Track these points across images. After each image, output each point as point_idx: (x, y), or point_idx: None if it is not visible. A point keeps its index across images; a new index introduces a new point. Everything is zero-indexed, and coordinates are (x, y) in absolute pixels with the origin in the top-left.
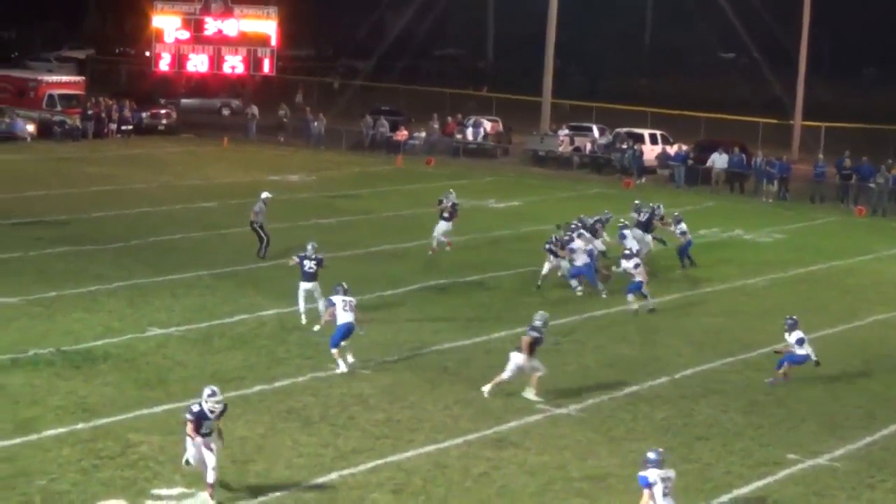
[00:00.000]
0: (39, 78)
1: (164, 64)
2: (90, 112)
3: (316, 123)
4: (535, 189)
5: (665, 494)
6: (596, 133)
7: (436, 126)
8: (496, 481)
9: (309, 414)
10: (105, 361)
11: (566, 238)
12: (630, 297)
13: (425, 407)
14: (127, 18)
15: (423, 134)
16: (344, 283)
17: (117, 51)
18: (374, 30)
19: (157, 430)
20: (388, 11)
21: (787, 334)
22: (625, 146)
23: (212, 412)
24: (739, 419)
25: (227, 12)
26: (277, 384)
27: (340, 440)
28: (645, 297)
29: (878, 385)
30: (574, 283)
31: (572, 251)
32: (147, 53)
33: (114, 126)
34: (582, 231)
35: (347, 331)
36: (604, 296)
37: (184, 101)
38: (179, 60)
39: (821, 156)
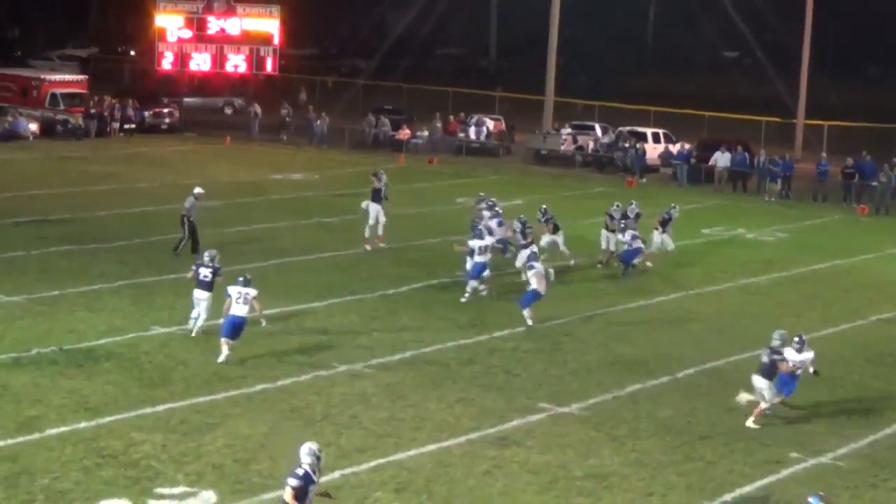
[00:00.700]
0: (42, 77)
1: (167, 63)
2: (93, 111)
3: (319, 122)
4: (538, 188)
5: None
6: (598, 132)
7: (438, 125)
8: (499, 480)
9: (311, 413)
10: (108, 360)
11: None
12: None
13: (428, 406)
14: (130, 17)
15: (426, 133)
16: (247, 274)
17: (120, 49)
18: (377, 28)
19: (159, 429)
20: (391, 10)
21: (796, 353)
22: (627, 145)
23: (316, 472)
24: (742, 418)
25: (229, 11)
26: (280, 383)
27: (343, 439)
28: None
29: (882, 383)
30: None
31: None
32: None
33: (116, 125)
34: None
35: (234, 324)
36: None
37: (186, 99)
38: (182, 59)
39: (823, 154)
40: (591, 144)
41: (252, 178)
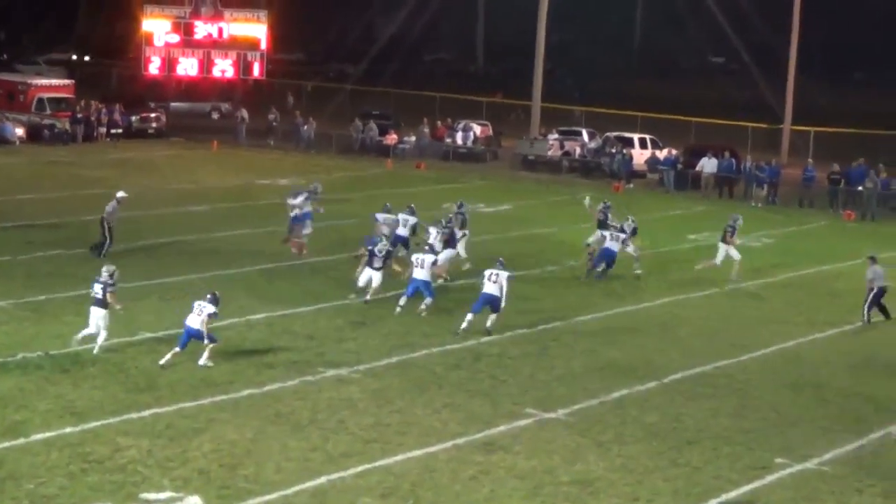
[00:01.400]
0: (29, 81)
1: (154, 67)
2: (80, 115)
3: (306, 127)
4: (525, 193)
5: None
6: (585, 137)
7: (426, 130)
8: (485, 486)
9: (298, 418)
10: (94, 365)
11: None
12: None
13: (414, 411)
14: (117, 22)
15: (414, 138)
16: (216, 292)
17: (107, 54)
18: (365, 33)
19: (145, 434)
20: (379, 15)
21: None
22: (614, 150)
23: None
24: (728, 423)
25: (217, 16)
26: (266, 388)
27: (329, 444)
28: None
29: (867, 389)
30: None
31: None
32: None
33: (103, 129)
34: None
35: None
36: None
37: (173, 104)
38: (169, 64)
39: (810, 160)
40: (578, 150)
41: (239, 183)
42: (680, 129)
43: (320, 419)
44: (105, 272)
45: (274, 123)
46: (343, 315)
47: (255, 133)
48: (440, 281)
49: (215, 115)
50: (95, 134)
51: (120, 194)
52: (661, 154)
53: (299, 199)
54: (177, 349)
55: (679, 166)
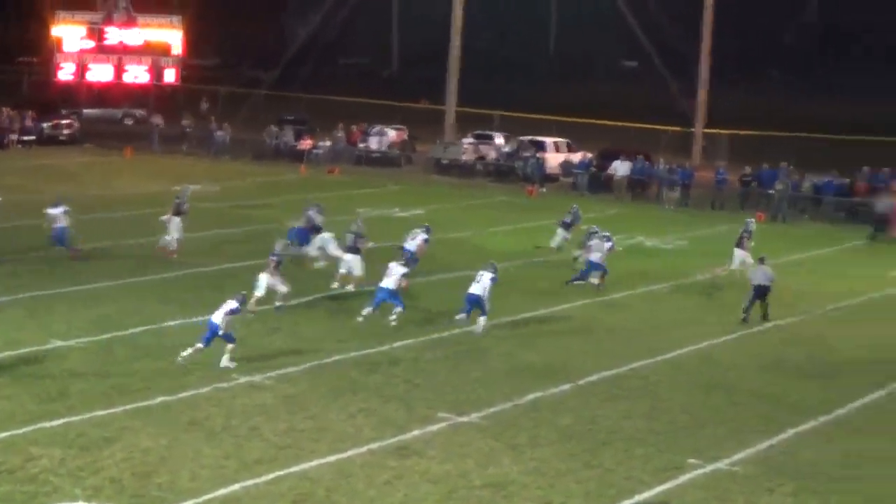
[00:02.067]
0: None
1: (66, 73)
2: None
3: (220, 133)
4: (439, 197)
5: None
6: (499, 141)
7: (341, 135)
8: (399, 490)
9: (212, 425)
10: (4, 374)
11: None
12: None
13: (328, 416)
14: (29, 27)
15: (328, 143)
16: (245, 292)
17: (19, 60)
18: (279, 38)
19: (57, 443)
20: (293, 19)
21: None
22: (528, 154)
23: None
24: (642, 425)
25: (130, 21)
26: (180, 395)
27: (243, 451)
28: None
29: (777, 390)
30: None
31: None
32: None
33: (15, 137)
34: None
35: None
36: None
37: (86, 110)
38: (82, 70)
39: (721, 163)
40: (492, 154)
41: (153, 190)
42: (593, 132)
43: (234, 426)
44: None
45: (188, 129)
46: (258, 321)
47: (169, 139)
48: (349, 287)
49: (128, 122)
50: (6, 141)
51: None
52: (575, 157)
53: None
54: (199, 345)
55: (592, 169)
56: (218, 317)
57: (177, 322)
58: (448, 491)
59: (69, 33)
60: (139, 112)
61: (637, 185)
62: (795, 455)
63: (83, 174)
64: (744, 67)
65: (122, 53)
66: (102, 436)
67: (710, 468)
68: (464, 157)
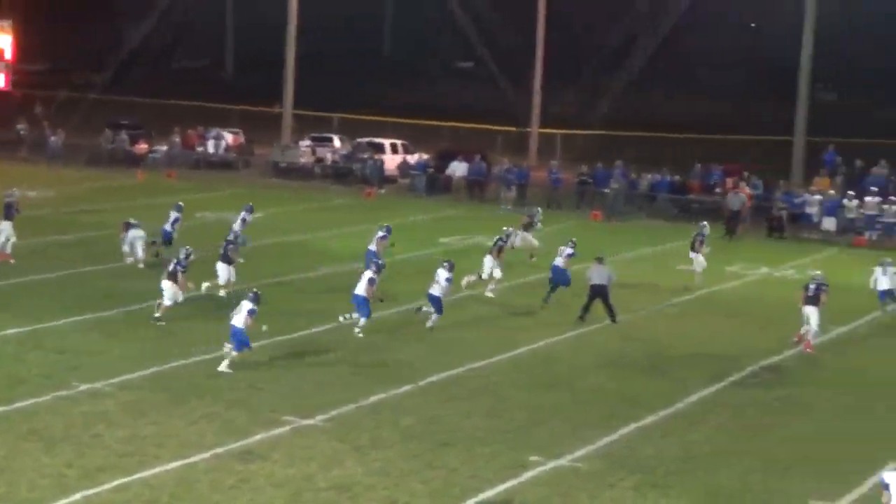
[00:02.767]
0: None
1: None
2: None
3: (54, 138)
4: (278, 201)
5: None
6: (337, 143)
7: (177, 139)
8: (245, 494)
9: (52, 433)
10: None
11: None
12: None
13: (172, 422)
14: None
15: (165, 147)
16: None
17: None
18: (113, 42)
19: None
20: (126, 22)
21: None
22: (366, 156)
23: None
24: (483, 424)
25: None
26: (18, 404)
27: (85, 459)
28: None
29: (617, 386)
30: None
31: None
32: None
33: None
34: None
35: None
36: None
37: None
38: None
39: (554, 162)
40: (330, 156)
41: None
42: (431, 133)
43: (75, 434)
44: None
45: (22, 133)
46: (97, 328)
47: (4, 145)
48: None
49: None
50: None
51: None
52: (412, 159)
53: None
54: (234, 353)
55: (430, 170)
56: (240, 320)
57: (12, 331)
58: (293, 494)
59: None
60: None
61: (475, 186)
62: (636, 449)
63: None
64: (578, 67)
65: None
66: None
67: (552, 465)
68: (302, 160)
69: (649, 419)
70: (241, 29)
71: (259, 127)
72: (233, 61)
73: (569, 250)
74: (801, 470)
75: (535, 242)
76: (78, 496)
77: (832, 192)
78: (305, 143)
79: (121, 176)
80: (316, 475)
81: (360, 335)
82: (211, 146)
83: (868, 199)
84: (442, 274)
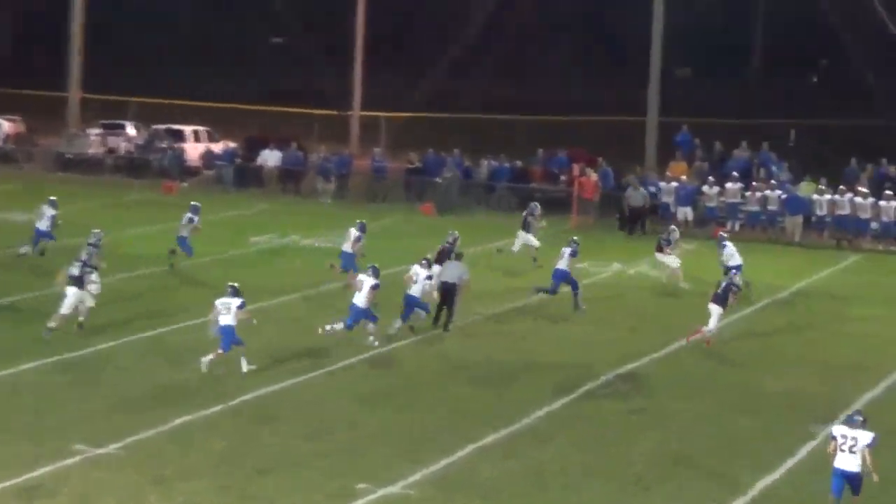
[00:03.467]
0: None
1: None
2: None
3: None
4: (66, 197)
5: (843, 451)
6: (132, 131)
7: None
8: None
9: None
10: None
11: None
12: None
13: None
14: None
15: None
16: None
17: None
18: None
19: None
20: None
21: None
22: (164, 145)
23: None
24: (304, 447)
25: None
26: None
27: None
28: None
29: (454, 399)
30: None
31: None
32: None
33: None
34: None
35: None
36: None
37: None
38: None
39: (378, 149)
40: (124, 146)
41: None
42: (238, 118)
43: None
44: None
45: None
46: None
47: None
48: None
49: None
50: None
51: None
52: (218, 147)
53: None
54: (220, 351)
55: (238, 160)
56: (228, 318)
57: None
58: None
59: None
60: None
61: (289, 177)
62: (476, 472)
63: None
64: (402, 42)
65: None
66: None
67: (382, 492)
68: (91, 151)
69: (491, 437)
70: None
71: (42, 113)
72: (10, 39)
73: (569, 250)
74: (663, 489)
75: (536, 242)
76: None
77: (684, 177)
78: (95, 132)
79: None
80: None
81: (376, 343)
82: None
83: (729, 185)
84: (421, 273)
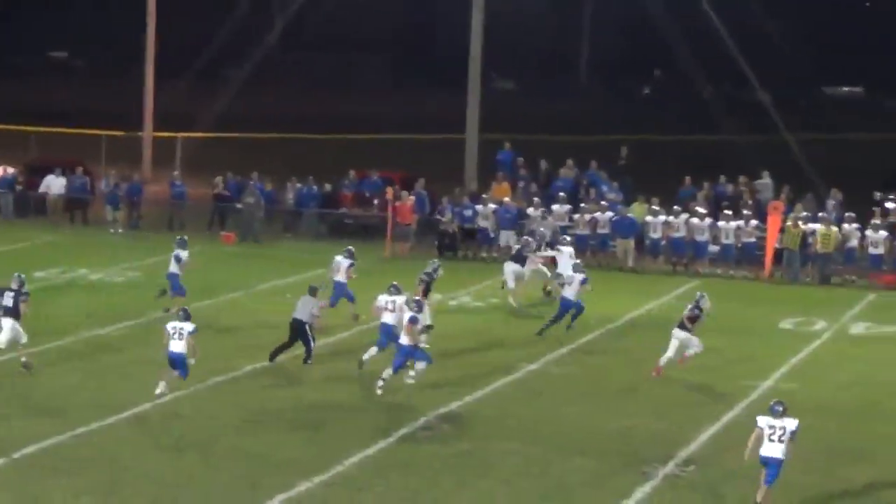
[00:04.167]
0: None
1: None
2: None
3: None
4: None
5: (772, 440)
6: None
7: None
8: None
9: None
10: None
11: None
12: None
13: None
14: None
15: None
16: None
17: None
18: None
19: None
20: None
21: None
22: None
23: None
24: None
25: None
26: None
27: None
28: None
29: (261, 446)
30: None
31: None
32: None
33: None
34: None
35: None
36: None
37: None
38: None
39: (175, 172)
40: None
41: None
42: (16, 141)
43: None
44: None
45: None
46: None
47: None
48: None
49: None
50: None
51: None
52: None
53: None
54: (171, 375)
55: (18, 187)
56: (178, 345)
57: None
58: None
59: None
60: None
61: (76, 206)
62: None
63: None
64: (202, 60)
65: None
66: None
67: None
68: None
69: (302, 487)
70: None
71: None
72: None
73: (581, 276)
74: None
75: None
76: None
77: (507, 199)
78: None
79: None
80: None
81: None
82: None
83: (556, 207)
84: (384, 298)
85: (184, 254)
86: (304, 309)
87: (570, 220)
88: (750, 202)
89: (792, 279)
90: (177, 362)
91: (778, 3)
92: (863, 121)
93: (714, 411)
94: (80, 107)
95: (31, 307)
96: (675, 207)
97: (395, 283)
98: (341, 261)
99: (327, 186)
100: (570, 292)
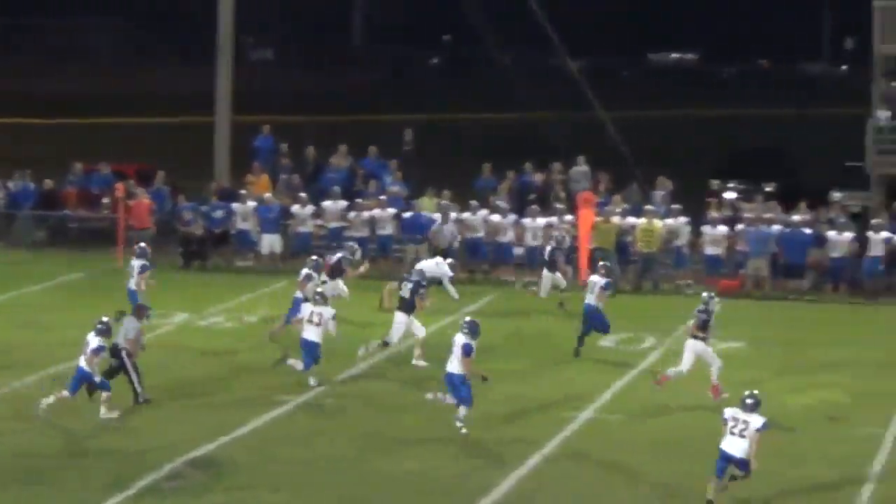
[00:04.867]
0: None
1: None
2: None
3: None
4: None
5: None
6: None
7: None
8: None
9: None
10: None
11: None
12: None
13: None
14: None
15: None
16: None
17: None
18: None
19: None
20: None
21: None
22: None
23: None
24: None
25: None
26: None
27: None
28: None
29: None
30: None
31: None
32: None
33: None
34: None
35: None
36: None
37: None
38: None
39: None
40: None
41: None
42: None
43: None
44: None
45: None
46: None
47: None
48: None
49: None
50: None
51: None
52: None
53: None
54: (65, 393)
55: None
56: (85, 361)
57: None
58: None
59: None
60: None
61: None
62: None
63: None
64: None
65: None
66: None
67: None
68: None
69: None
70: None
71: None
72: None
73: (603, 281)
74: None
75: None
76: None
77: (268, 195)
78: None
79: None
80: None
81: (464, 430)
82: None
83: (328, 204)
84: (326, 312)
85: None
86: (121, 333)
87: (345, 219)
88: (562, 195)
89: None
90: (79, 377)
91: None
92: (697, 92)
93: (523, 452)
94: None
95: None
96: (472, 202)
97: (320, 290)
98: (134, 263)
99: (47, 182)
100: (591, 298)
